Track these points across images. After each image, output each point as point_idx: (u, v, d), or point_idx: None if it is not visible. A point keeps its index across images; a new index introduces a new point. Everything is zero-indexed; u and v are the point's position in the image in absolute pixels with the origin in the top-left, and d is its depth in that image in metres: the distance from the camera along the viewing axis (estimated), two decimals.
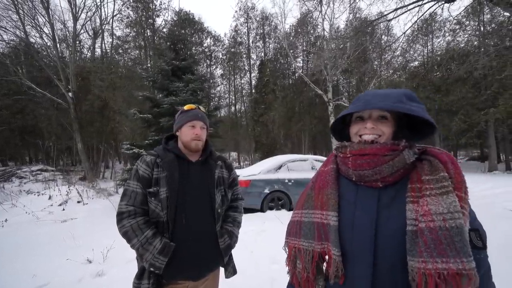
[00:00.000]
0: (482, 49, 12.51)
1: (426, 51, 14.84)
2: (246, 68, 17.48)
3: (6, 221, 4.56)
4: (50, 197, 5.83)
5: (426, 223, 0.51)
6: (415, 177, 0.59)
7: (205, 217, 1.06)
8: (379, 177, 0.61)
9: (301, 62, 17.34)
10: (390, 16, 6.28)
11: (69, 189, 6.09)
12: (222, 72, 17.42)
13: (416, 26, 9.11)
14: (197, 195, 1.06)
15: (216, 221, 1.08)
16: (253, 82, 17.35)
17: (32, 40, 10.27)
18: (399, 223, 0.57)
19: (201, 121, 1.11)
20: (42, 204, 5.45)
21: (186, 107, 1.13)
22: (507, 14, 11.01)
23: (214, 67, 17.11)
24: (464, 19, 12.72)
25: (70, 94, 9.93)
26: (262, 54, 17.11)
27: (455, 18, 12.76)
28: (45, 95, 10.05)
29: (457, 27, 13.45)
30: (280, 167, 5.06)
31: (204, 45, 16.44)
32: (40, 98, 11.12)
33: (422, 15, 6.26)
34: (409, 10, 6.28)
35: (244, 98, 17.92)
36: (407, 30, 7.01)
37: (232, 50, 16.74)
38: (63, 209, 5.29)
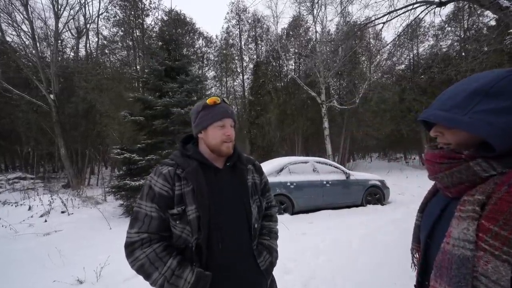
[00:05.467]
0: (463, 54, 13.24)
1: (412, 55, 15.41)
2: (239, 70, 17.34)
3: None
4: (30, 208, 5.33)
5: (444, 244, 0.50)
6: None
7: (242, 236, 0.86)
8: (441, 186, 0.57)
9: (293, 64, 17.45)
10: (384, 19, 6.37)
11: (52, 198, 5.59)
12: (214, 74, 17.16)
13: (402, 31, 9.43)
14: (232, 210, 0.85)
15: (252, 239, 0.88)
16: (245, 84, 17.22)
17: (8, 38, 9.55)
18: None
19: (231, 118, 0.90)
20: (20, 216, 4.94)
21: (209, 101, 0.88)
22: (485, 20, 11.63)
23: (207, 69, 16.82)
24: (446, 25, 13.37)
25: (51, 96, 9.29)
26: (255, 56, 17.06)
27: (438, 24, 13.43)
28: (24, 97, 9.34)
29: (439, 32, 14.15)
30: (281, 170, 4.90)
31: (196, 46, 16.14)
32: (17, 101, 10.31)
33: (415, 18, 6.41)
34: (400, 15, 6.41)
35: (237, 100, 17.73)
36: (400, 33, 7.18)
37: (224, 51, 16.55)
38: (45, 221, 4.83)
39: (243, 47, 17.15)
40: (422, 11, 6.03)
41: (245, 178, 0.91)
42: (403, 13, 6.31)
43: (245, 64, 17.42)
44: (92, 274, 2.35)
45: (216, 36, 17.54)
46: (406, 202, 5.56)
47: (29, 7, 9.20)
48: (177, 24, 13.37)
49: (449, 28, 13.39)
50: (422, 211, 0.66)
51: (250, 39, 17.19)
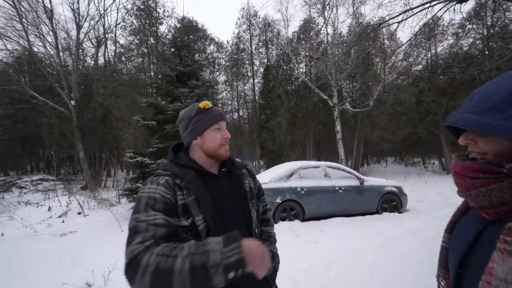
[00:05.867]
0: (487, 52, 12.46)
1: (429, 55, 14.73)
2: (249, 74, 17.48)
3: (2, 235, 4.29)
4: (49, 209, 5.57)
5: (484, 283, 0.40)
6: None
7: None
8: (475, 205, 0.47)
9: (304, 67, 17.31)
10: (399, 18, 6.12)
11: (69, 200, 5.82)
12: (225, 78, 17.42)
13: (418, 30, 9.05)
14: (233, 217, 0.82)
15: None
16: (256, 88, 17.29)
17: (35, 49, 10.26)
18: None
19: (226, 121, 0.89)
20: (41, 216, 5.18)
21: (202, 105, 0.85)
22: (511, 16, 10.89)
23: (218, 73, 17.12)
24: (467, 23, 12.68)
25: (72, 102, 9.81)
26: (265, 60, 17.13)
27: (458, 22, 12.76)
28: (47, 103, 9.93)
29: (460, 30, 13.43)
30: (291, 175, 4.78)
31: (207, 52, 16.49)
32: (42, 107, 11.00)
33: (433, 16, 6.11)
34: (416, 13, 6.13)
35: (248, 104, 17.83)
36: (417, 32, 6.86)
37: (235, 56, 16.77)
38: (63, 221, 5.02)
39: (253, 51, 17.31)
40: (441, 8, 5.74)
41: (242, 183, 0.89)
42: (419, 11, 6.05)
43: (255, 68, 17.55)
44: (100, 278, 2.37)
45: (227, 42, 17.84)
46: (425, 210, 5.22)
47: (53, 19, 9.85)
48: (189, 31, 13.75)
49: (470, 26, 12.68)
50: (450, 231, 0.57)
51: (260, 43, 17.32)
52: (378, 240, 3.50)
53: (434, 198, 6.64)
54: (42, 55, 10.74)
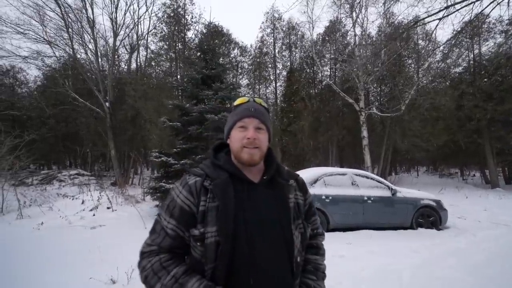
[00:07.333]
0: None
1: (472, 55, 13.34)
2: (272, 77, 17.44)
3: (42, 224, 4.68)
4: (83, 202, 5.99)
5: None
6: None
7: (280, 273, 0.67)
8: None
9: (329, 70, 16.80)
10: (440, 15, 5.58)
11: (100, 195, 6.21)
12: (248, 81, 17.59)
13: (461, 29, 8.20)
14: (268, 238, 0.67)
15: (294, 277, 0.69)
16: (278, 91, 17.16)
17: (78, 56, 11.34)
18: None
19: (255, 118, 0.73)
20: (75, 208, 5.59)
21: (237, 101, 0.78)
22: None
23: (240, 77, 17.35)
24: None
25: (107, 104, 10.61)
26: (288, 63, 16.97)
27: (508, 18, 11.40)
28: (86, 105, 10.87)
29: (510, 28, 11.97)
30: (315, 181, 4.54)
31: (231, 55, 16.82)
32: (81, 108, 12.09)
33: (480, 12, 5.46)
34: (458, 10, 5.54)
35: (270, 107, 17.80)
36: (458, 31, 6.20)
37: (258, 60, 16.87)
38: (94, 215, 5.35)
39: (277, 54, 17.25)
40: (491, 2, 5.11)
41: (286, 197, 0.73)
42: (463, 7, 5.46)
43: (278, 71, 17.45)
44: (124, 275, 2.40)
45: (251, 45, 18.04)
46: (470, 229, 4.60)
47: (95, 28, 10.82)
48: (215, 36, 14.16)
49: None
50: None
51: (284, 46, 17.21)
52: (414, 259, 3.12)
53: (478, 216, 5.88)
54: (83, 61, 11.85)
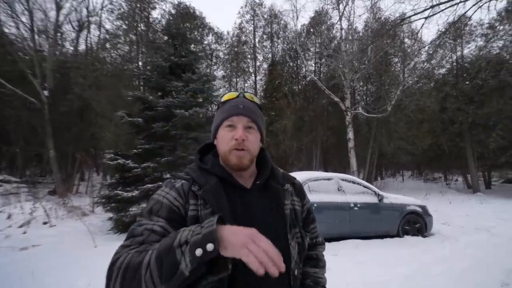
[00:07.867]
0: None
1: (455, 57, 14.93)
2: (251, 70, 17.53)
3: None
4: (9, 216, 5.37)
5: None
6: None
7: (276, 287, 0.67)
8: None
9: (314, 65, 17.43)
10: (425, 14, 6.15)
11: (34, 207, 5.63)
12: (224, 73, 17.44)
13: (445, 29, 9.15)
14: None
15: None
16: (258, 86, 17.31)
17: (6, 29, 10.16)
18: None
19: (244, 115, 0.72)
20: None
21: (224, 97, 0.77)
22: None
23: (215, 68, 17.14)
24: (497, 24, 12.89)
25: (45, 92, 9.65)
26: (270, 56, 17.22)
27: (488, 22, 12.99)
28: (16, 92, 9.75)
29: (490, 31, 13.66)
30: None
31: (205, 42, 16.54)
32: (10, 96, 10.81)
33: (463, 14, 6.14)
34: (443, 10, 6.18)
35: None
36: (442, 31, 6.92)
37: (236, 49, 16.84)
38: (24, 232, 4.83)
39: (257, 44, 17.41)
40: (474, 5, 5.78)
41: (281, 203, 0.75)
42: (448, 7, 6.09)
43: (258, 63, 17.62)
44: None
45: (228, 32, 17.97)
46: (454, 235, 5.11)
47: None
48: (186, 18, 13.82)
49: (501, 27, 12.91)
50: None
51: (265, 36, 17.46)
52: (401, 268, 3.38)
53: (461, 221, 6.55)
54: (14, 37, 10.64)
